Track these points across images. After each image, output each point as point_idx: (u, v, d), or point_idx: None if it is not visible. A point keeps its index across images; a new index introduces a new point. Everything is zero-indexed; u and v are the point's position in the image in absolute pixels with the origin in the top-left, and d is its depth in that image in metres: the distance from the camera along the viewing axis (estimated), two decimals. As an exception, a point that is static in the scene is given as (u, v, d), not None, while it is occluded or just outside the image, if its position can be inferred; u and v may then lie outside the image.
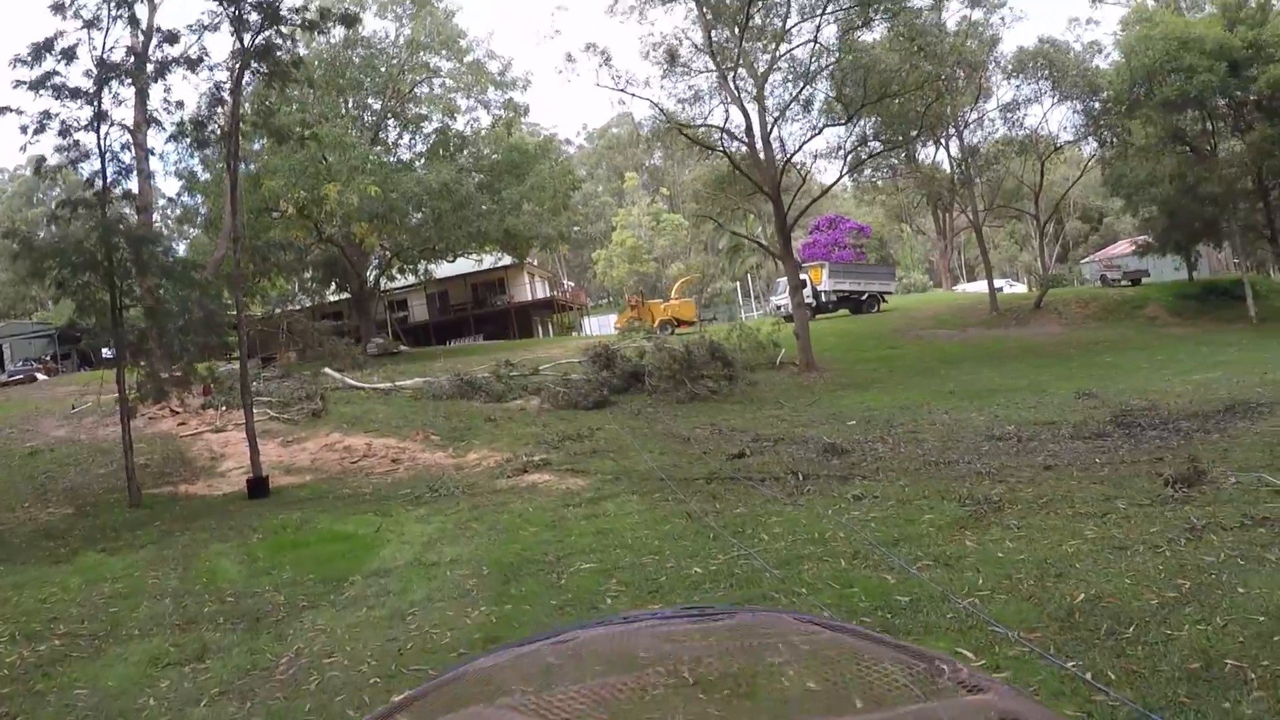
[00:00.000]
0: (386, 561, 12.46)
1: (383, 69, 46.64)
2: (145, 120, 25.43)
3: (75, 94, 23.35)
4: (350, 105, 47.58)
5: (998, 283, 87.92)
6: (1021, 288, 78.81)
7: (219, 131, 23.89)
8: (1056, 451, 16.30)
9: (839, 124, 35.01)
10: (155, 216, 53.21)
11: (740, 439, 21.31)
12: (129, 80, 24.11)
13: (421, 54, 46.67)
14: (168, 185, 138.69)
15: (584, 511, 14.60)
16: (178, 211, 46.22)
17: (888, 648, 2.35)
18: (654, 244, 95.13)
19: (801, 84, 34.62)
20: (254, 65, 23.62)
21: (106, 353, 63.25)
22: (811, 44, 34.09)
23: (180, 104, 26.53)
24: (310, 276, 50.87)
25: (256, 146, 43.24)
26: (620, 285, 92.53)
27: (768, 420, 24.59)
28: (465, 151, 49.78)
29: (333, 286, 54.32)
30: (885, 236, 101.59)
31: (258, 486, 20.77)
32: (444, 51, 46.42)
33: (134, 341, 23.77)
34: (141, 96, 26.31)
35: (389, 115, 48.91)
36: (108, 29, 23.41)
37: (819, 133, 36.07)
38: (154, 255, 22.90)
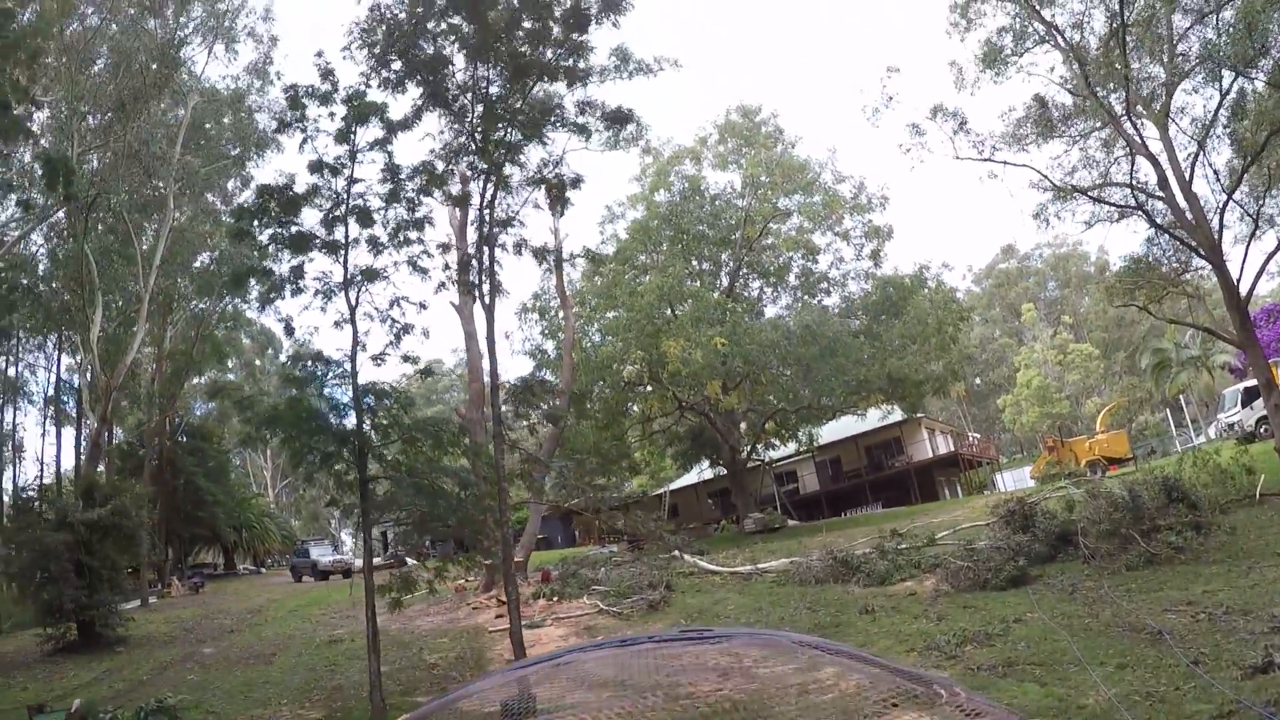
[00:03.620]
0: None
1: (730, 220, 42.11)
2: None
3: (329, 246, 19.92)
4: (702, 265, 43.17)
5: None
6: None
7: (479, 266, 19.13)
8: None
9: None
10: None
11: (1249, 631, 12.72)
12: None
13: (766, 194, 41.56)
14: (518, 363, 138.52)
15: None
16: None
17: (886, 672, 2.36)
18: (1064, 380, 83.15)
19: (1231, 80, 24.65)
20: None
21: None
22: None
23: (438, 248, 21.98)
24: (675, 450, 46.11)
25: (610, 315, 39.47)
26: (1032, 432, 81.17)
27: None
28: (834, 295, 43.83)
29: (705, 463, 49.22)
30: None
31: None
32: (788, 185, 41.02)
33: (411, 523, 19.69)
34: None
35: (742, 266, 43.95)
36: (351, 176, 20.05)
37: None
38: (399, 413, 18.37)
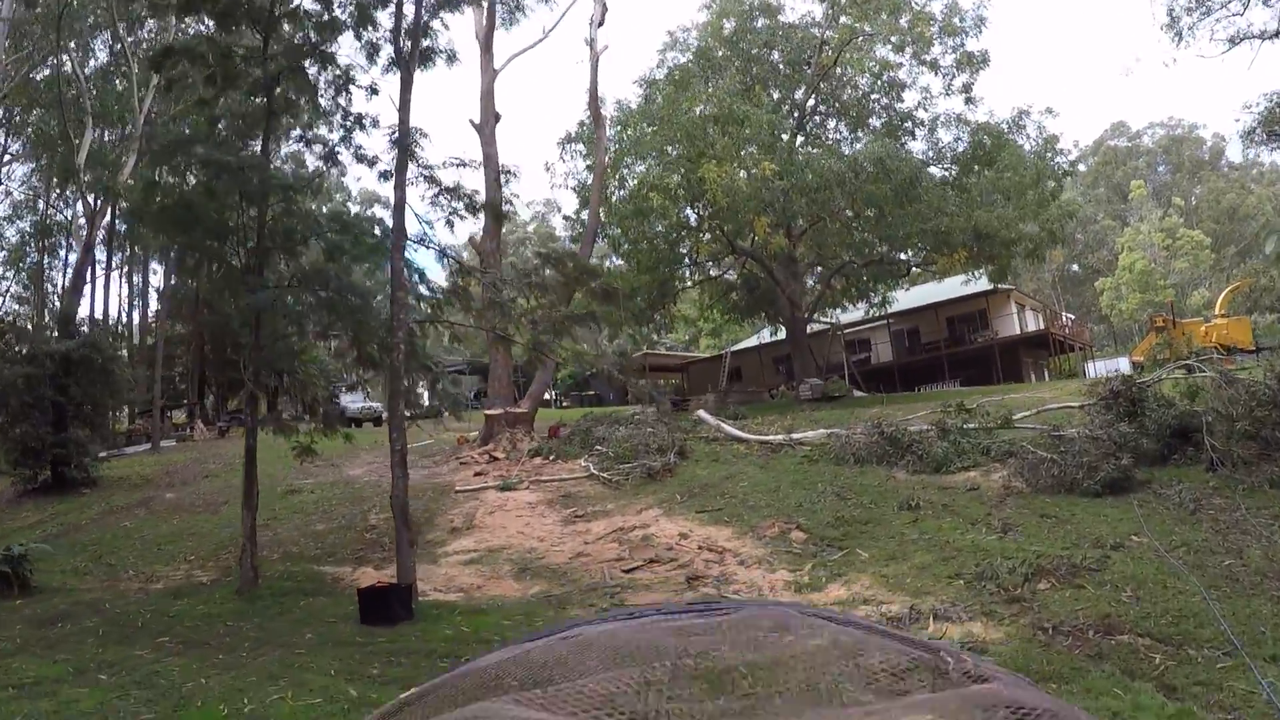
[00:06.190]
0: None
1: (804, 48, 35.20)
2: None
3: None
4: (772, 96, 36.10)
5: None
6: None
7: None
8: None
9: None
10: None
11: None
12: None
13: (844, 18, 34.02)
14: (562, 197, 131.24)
15: None
16: (577, 230, 37.25)
17: (893, 640, 2.12)
18: (1169, 268, 74.28)
19: None
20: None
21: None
22: None
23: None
24: (727, 303, 40.18)
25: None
26: (1131, 321, 73.05)
27: None
28: (920, 141, 36.73)
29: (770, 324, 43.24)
30: None
31: (376, 606, 11.23)
32: (869, 5, 32.94)
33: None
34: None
35: (816, 101, 36.96)
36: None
37: None
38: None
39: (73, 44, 32.77)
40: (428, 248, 14.49)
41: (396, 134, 12.77)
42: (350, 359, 16.85)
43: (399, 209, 12.37)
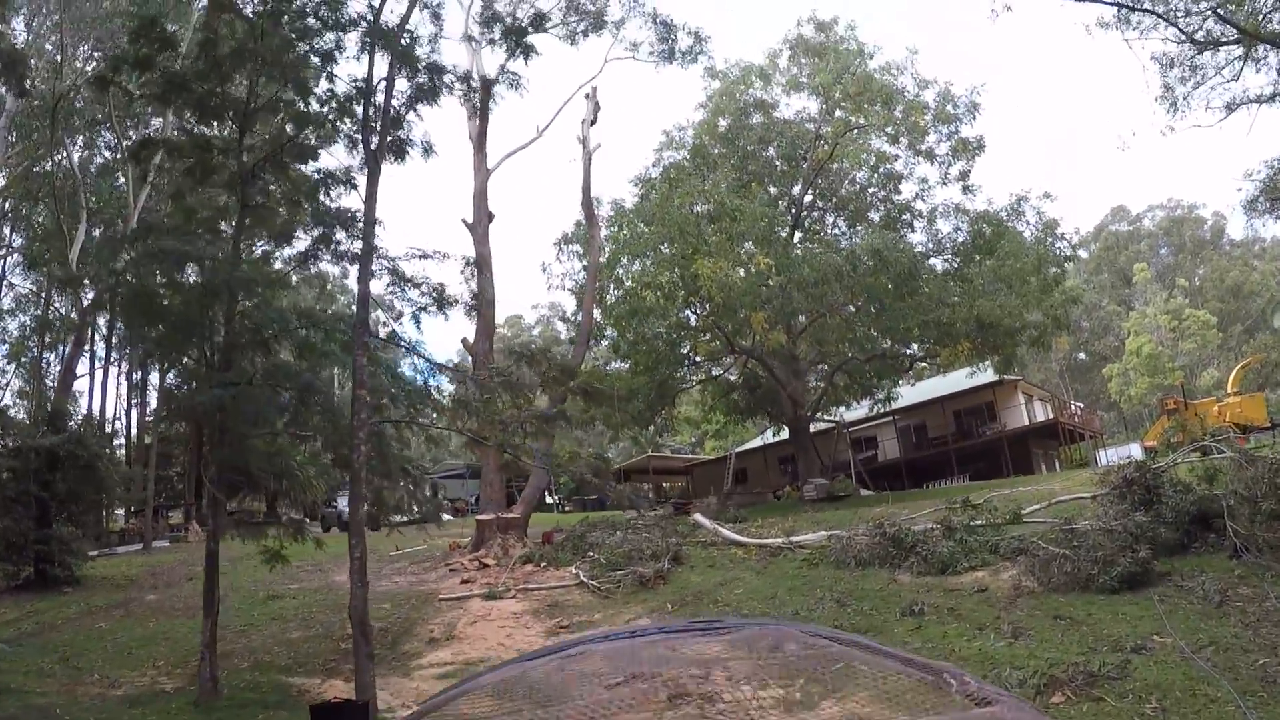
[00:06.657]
0: None
1: (799, 144, 35.54)
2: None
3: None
4: (769, 192, 35.99)
5: None
6: None
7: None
8: None
9: None
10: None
11: None
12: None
13: (839, 112, 34.35)
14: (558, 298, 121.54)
15: None
16: (571, 333, 36.99)
17: (896, 661, 2.23)
18: (1177, 349, 73.50)
19: None
20: None
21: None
22: None
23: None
24: (728, 401, 39.38)
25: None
26: (1140, 406, 71.94)
27: None
28: (920, 233, 36.58)
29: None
30: None
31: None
32: (861, 97, 32.88)
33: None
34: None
35: (815, 196, 36.99)
36: None
37: None
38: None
39: (80, 140, 33.01)
40: (396, 345, 13.91)
41: (360, 224, 12.30)
42: (326, 460, 16.23)
43: (363, 303, 11.82)
